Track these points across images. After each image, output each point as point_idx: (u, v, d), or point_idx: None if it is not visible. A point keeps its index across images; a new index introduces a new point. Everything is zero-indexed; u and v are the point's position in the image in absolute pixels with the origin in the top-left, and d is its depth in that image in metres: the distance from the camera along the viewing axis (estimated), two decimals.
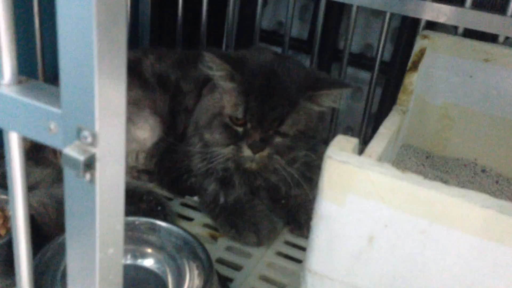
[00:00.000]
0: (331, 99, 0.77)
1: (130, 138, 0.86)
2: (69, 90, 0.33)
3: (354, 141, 0.51)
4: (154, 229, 0.68)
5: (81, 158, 0.33)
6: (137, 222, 0.69)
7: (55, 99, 0.35)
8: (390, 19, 0.97)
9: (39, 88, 0.37)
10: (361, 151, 1.06)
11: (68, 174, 0.35)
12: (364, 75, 1.13)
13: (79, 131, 0.33)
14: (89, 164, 0.34)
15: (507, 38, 0.88)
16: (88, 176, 0.34)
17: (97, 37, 0.31)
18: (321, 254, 0.51)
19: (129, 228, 0.67)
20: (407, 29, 1.02)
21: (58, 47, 0.32)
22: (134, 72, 0.91)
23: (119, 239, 0.38)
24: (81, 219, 0.36)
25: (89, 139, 0.33)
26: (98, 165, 0.34)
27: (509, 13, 0.87)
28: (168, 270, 0.64)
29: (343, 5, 1.01)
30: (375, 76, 1.01)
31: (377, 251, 0.48)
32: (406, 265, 0.47)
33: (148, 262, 0.66)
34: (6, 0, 0.35)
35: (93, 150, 0.33)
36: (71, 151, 0.33)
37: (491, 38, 0.89)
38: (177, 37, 1.16)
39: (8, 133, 0.37)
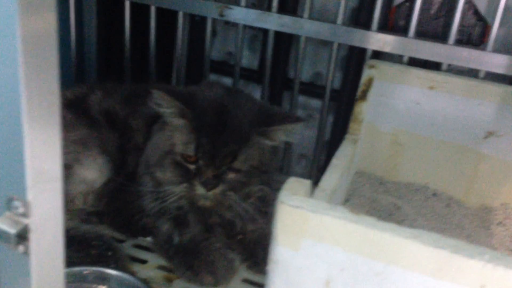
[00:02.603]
0: (284, 134, 0.76)
1: (77, 180, 0.83)
2: None
3: (306, 184, 0.50)
4: (104, 278, 0.65)
5: (13, 230, 0.31)
6: (85, 272, 0.65)
7: None
8: (338, 48, 0.98)
9: None
10: (317, 180, 1.05)
11: (1, 245, 0.32)
12: (315, 103, 1.14)
13: (9, 201, 0.31)
14: (22, 236, 0.31)
15: (450, 65, 0.91)
16: (21, 248, 0.31)
17: (25, 93, 0.29)
18: None
19: (76, 279, 0.64)
20: (355, 58, 1.04)
21: None
22: (80, 110, 0.88)
23: None
24: None
25: (21, 209, 0.31)
26: (32, 236, 0.32)
27: (450, 41, 0.90)
28: None
29: (291, 35, 1.02)
30: (326, 104, 1.02)
31: None
32: None
33: None
34: None
35: (25, 221, 0.31)
36: (1, 224, 0.31)
37: (435, 65, 0.92)
38: (125, 71, 1.13)
39: None
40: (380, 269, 0.45)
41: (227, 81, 1.15)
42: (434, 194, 0.93)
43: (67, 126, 0.87)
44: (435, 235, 0.42)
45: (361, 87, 0.88)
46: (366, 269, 0.45)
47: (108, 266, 0.74)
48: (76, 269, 0.64)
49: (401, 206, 0.88)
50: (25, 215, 0.31)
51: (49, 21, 0.30)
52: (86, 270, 0.65)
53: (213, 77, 1.19)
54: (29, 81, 0.29)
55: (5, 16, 0.27)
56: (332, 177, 0.72)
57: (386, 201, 0.89)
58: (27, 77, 0.29)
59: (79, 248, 0.76)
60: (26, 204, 0.31)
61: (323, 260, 0.46)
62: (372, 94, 0.89)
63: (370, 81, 0.88)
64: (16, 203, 0.31)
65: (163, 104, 0.75)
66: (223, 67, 1.20)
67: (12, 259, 0.32)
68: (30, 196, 0.31)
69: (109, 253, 0.75)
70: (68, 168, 0.82)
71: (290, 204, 0.46)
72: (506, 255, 0.40)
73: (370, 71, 0.88)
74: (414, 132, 0.91)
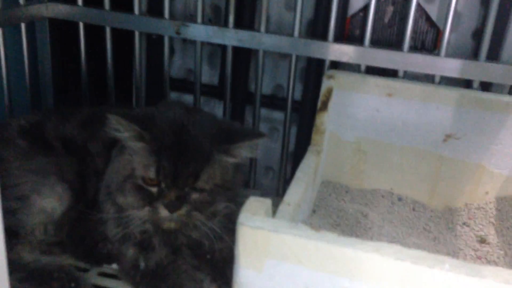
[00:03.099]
0: (246, 150, 0.75)
1: (36, 210, 0.80)
2: None
3: (266, 203, 0.49)
4: None
5: None
6: None
7: None
8: (296, 60, 0.99)
9: None
10: (284, 192, 1.04)
11: None
12: (278, 115, 1.14)
13: None
14: None
15: (406, 72, 0.93)
16: None
17: None
18: None
19: None
20: (314, 69, 1.04)
21: None
22: (35, 137, 0.86)
23: None
24: None
25: None
26: None
27: (405, 48, 0.91)
28: None
29: (250, 49, 1.02)
30: (288, 116, 1.02)
31: None
32: None
33: None
34: None
35: None
36: None
37: (391, 73, 0.93)
38: (83, 95, 1.11)
39: None
40: (346, 284, 0.44)
41: (188, 98, 1.14)
42: (399, 199, 0.94)
43: (22, 155, 0.84)
44: (396, 247, 0.42)
45: (321, 98, 0.89)
46: (331, 286, 0.45)
47: None
48: None
49: (368, 213, 0.88)
50: None
51: None
52: None
53: (174, 95, 1.18)
54: None
55: None
56: (297, 190, 0.71)
57: (353, 209, 0.89)
58: None
59: (41, 281, 0.73)
60: None
61: (288, 280, 0.46)
62: (332, 104, 0.89)
63: (329, 92, 0.89)
64: None
65: (120, 128, 0.73)
66: (184, 84, 1.19)
67: None
68: None
69: (72, 285, 0.73)
70: (25, 199, 0.79)
71: (251, 225, 0.45)
72: (466, 262, 0.41)
73: (329, 82, 0.89)
74: (376, 139, 0.92)
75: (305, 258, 0.44)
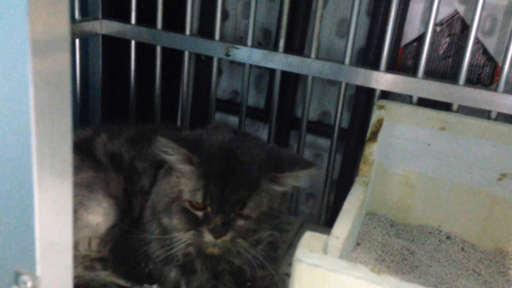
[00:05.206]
0: (294, 179, 0.74)
1: (81, 224, 0.81)
2: (3, 228, 0.29)
3: (323, 239, 0.48)
4: None
5: None
6: None
7: None
8: (346, 88, 0.98)
9: None
10: (325, 221, 1.03)
11: None
12: (323, 142, 1.12)
13: (17, 275, 0.29)
14: None
15: (459, 106, 0.90)
16: None
17: (36, 157, 0.27)
18: None
19: None
20: (363, 97, 1.03)
21: None
22: (85, 152, 0.87)
23: None
24: None
25: (29, 284, 0.29)
26: None
27: (460, 82, 0.89)
28: None
29: (298, 73, 1.02)
30: (334, 144, 1.01)
31: None
32: None
33: None
34: None
35: None
36: None
37: (445, 105, 0.91)
38: (130, 112, 1.12)
39: None
40: None
41: (233, 119, 1.14)
42: (448, 237, 0.90)
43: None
44: None
45: (371, 128, 0.87)
46: None
47: None
48: None
49: (414, 251, 0.85)
50: None
51: (62, 62, 0.28)
52: None
53: (219, 116, 1.18)
54: (40, 142, 0.27)
55: (18, 57, 0.26)
56: (345, 222, 0.69)
57: (398, 245, 0.86)
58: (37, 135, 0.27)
59: None
60: (34, 278, 0.29)
61: None
62: (382, 135, 0.87)
63: (380, 122, 0.87)
64: (24, 277, 0.29)
65: (169, 151, 0.73)
66: (229, 106, 1.19)
67: None
68: (39, 270, 0.29)
69: None
70: (72, 212, 0.80)
71: (308, 262, 0.44)
72: None
73: (379, 112, 0.87)
74: (425, 173, 0.90)
75: None
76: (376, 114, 0.87)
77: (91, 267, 0.82)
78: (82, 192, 0.82)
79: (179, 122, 1.15)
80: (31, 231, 0.28)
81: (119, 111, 1.17)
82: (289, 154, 0.80)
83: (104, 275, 0.82)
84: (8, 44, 0.26)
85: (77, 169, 0.85)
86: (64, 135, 0.29)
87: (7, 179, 0.28)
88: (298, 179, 0.74)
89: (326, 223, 1.06)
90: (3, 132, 0.28)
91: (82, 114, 1.13)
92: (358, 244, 0.86)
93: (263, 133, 1.14)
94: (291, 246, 0.93)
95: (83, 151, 0.87)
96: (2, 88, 0.27)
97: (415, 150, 0.89)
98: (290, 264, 0.51)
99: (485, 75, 0.97)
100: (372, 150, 0.86)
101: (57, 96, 0.28)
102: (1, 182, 0.28)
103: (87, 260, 0.82)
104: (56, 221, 0.30)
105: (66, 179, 0.29)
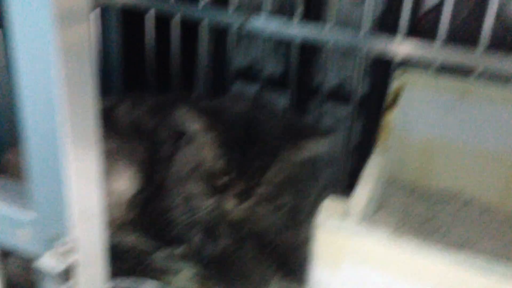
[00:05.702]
0: (314, 147, 0.75)
1: (108, 190, 0.83)
2: (40, 195, 0.31)
3: (344, 204, 0.49)
4: None
5: (58, 269, 0.30)
6: (121, 285, 0.65)
7: (26, 203, 0.32)
8: (365, 54, 0.97)
9: (8, 188, 0.34)
10: (345, 186, 1.03)
11: (45, 284, 0.32)
12: (342, 109, 1.12)
13: (54, 238, 0.31)
14: (68, 273, 0.31)
15: (481, 72, 0.89)
16: (67, 285, 0.31)
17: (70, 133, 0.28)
18: None
19: None
20: (383, 64, 1.02)
21: (25, 151, 0.29)
22: (109, 121, 0.88)
23: None
24: None
25: (67, 247, 0.31)
26: (78, 271, 0.31)
27: (482, 47, 0.87)
28: None
29: (316, 41, 1.01)
30: (354, 111, 1.01)
31: None
32: None
33: None
34: None
35: (71, 258, 0.31)
36: (47, 262, 0.30)
37: (466, 72, 0.89)
38: (149, 82, 1.13)
39: None
40: None
41: (251, 88, 1.15)
42: (468, 202, 0.91)
43: None
44: (482, 262, 0.41)
45: (390, 95, 0.86)
46: None
47: (142, 277, 0.74)
48: (112, 282, 0.64)
49: (435, 215, 0.86)
50: (70, 252, 0.31)
51: (82, 32, 0.29)
52: (122, 283, 0.65)
53: (236, 85, 1.19)
54: (69, 106, 0.28)
55: (41, 29, 0.27)
56: (365, 189, 0.70)
57: (419, 209, 0.87)
58: (66, 99, 0.28)
59: (113, 260, 0.76)
60: (71, 242, 0.31)
61: (364, 283, 0.45)
62: (402, 101, 0.87)
63: (399, 89, 0.86)
64: (61, 240, 0.31)
65: (189, 120, 0.74)
66: (247, 75, 1.19)
67: None
68: (74, 233, 0.31)
69: (143, 264, 0.76)
70: None
71: (329, 227, 0.45)
72: None
73: (399, 79, 0.87)
74: (446, 139, 0.89)
75: (384, 264, 0.44)
76: (396, 81, 0.87)
77: (119, 231, 0.85)
78: (108, 160, 0.84)
79: (197, 92, 1.16)
80: (65, 198, 0.30)
81: (138, 81, 1.18)
82: (308, 122, 0.81)
83: (132, 239, 0.85)
84: (32, 16, 0.27)
85: (102, 138, 0.87)
86: (90, 106, 0.31)
87: (41, 151, 0.30)
88: (318, 147, 0.75)
89: (346, 189, 1.07)
90: (34, 107, 0.29)
91: (103, 85, 1.14)
92: (378, 209, 0.87)
93: (281, 102, 1.15)
94: (312, 211, 0.95)
95: (106, 120, 0.89)
96: (28, 61, 0.29)
97: (435, 117, 0.88)
98: (311, 229, 0.53)
99: (508, 40, 0.95)
100: (392, 117, 0.86)
101: (80, 67, 0.29)
102: (36, 155, 0.30)
103: (115, 225, 0.85)
104: (87, 188, 0.31)
105: (95, 149, 0.31)
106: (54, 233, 0.31)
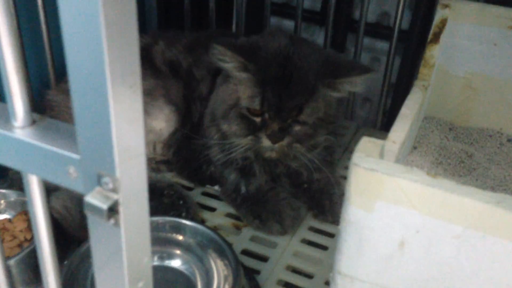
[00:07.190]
0: (351, 85, 0.74)
1: (146, 129, 0.85)
2: (86, 136, 0.32)
3: (379, 144, 0.49)
4: (178, 228, 0.68)
5: (104, 206, 0.32)
6: (160, 221, 0.68)
7: (73, 143, 0.33)
8: None
9: (55, 129, 0.35)
10: (382, 125, 1.02)
11: (92, 219, 0.34)
12: (382, 45, 1.09)
13: (99, 177, 0.32)
14: (113, 210, 0.33)
15: None
16: (112, 221, 0.33)
17: (111, 81, 0.29)
18: (350, 257, 0.50)
19: (153, 229, 0.67)
20: None
21: (72, 101, 0.30)
22: (145, 60, 0.89)
23: (148, 272, 0.38)
24: (109, 258, 0.35)
25: (111, 185, 0.32)
26: (121, 209, 0.33)
27: None
28: (196, 270, 0.64)
29: None
30: (393, 46, 0.98)
31: (409, 255, 0.47)
32: (439, 268, 0.46)
33: (176, 263, 0.66)
34: (15, 37, 0.34)
35: (115, 196, 0.32)
36: (93, 199, 0.32)
37: None
38: (185, 19, 1.12)
39: (27, 175, 0.36)
40: (458, 232, 0.44)
41: (289, 23, 1.12)
42: (509, 140, 0.88)
43: None
44: None
45: (433, 29, 0.83)
46: (442, 232, 0.44)
47: (179, 214, 0.77)
48: (153, 218, 0.67)
49: (473, 154, 0.85)
50: (114, 190, 0.33)
51: None
52: (161, 219, 0.68)
53: (273, 20, 1.16)
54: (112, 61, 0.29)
55: None
56: (402, 127, 0.69)
57: (456, 148, 0.86)
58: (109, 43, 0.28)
59: (152, 197, 0.79)
60: (115, 180, 0.32)
61: (398, 222, 0.46)
62: (445, 36, 0.83)
63: (443, 22, 0.82)
64: (106, 179, 0.32)
65: (226, 59, 0.74)
66: (284, 9, 1.16)
67: (104, 231, 0.34)
68: (118, 172, 0.32)
69: (180, 202, 0.78)
70: None
71: (364, 166, 0.45)
72: None
73: (443, 11, 0.82)
74: (489, 75, 0.86)
75: (418, 203, 0.44)
76: (439, 14, 0.83)
77: (157, 169, 0.88)
78: (145, 99, 0.85)
79: (234, 28, 1.14)
80: (109, 138, 0.31)
81: (174, 18, 1.17)
82: (346, 59, 0.79)
83: (169, 176, 0.88)
84: None
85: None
86: (133, 48, 0.31)
87: (86, 93, 0.30)
88: (355, 85, 0.74)
89: (383, 127, 1.06)
90: (79, 51, 0.30)
91: (139, 23, 1.14)
92: (415, 147, 0.86)
93: (319, 37, 1.12)
94: (347, 150, 0.95)
95: (143, 59, 0.89)
96: (73, 7, 0.29)
97: (480, 51, 0.85)
98: (346, 168, 0.53)
99: None
100: (434, 52, 0.82)
101: (123, 9, 0.30)
102: (81, 97, 0.31)
103: (153, 162, 0.88)
104: (129, 129, 0.32)
105: (136, 90, 0.31)
106: (100, 172, 0.32)
